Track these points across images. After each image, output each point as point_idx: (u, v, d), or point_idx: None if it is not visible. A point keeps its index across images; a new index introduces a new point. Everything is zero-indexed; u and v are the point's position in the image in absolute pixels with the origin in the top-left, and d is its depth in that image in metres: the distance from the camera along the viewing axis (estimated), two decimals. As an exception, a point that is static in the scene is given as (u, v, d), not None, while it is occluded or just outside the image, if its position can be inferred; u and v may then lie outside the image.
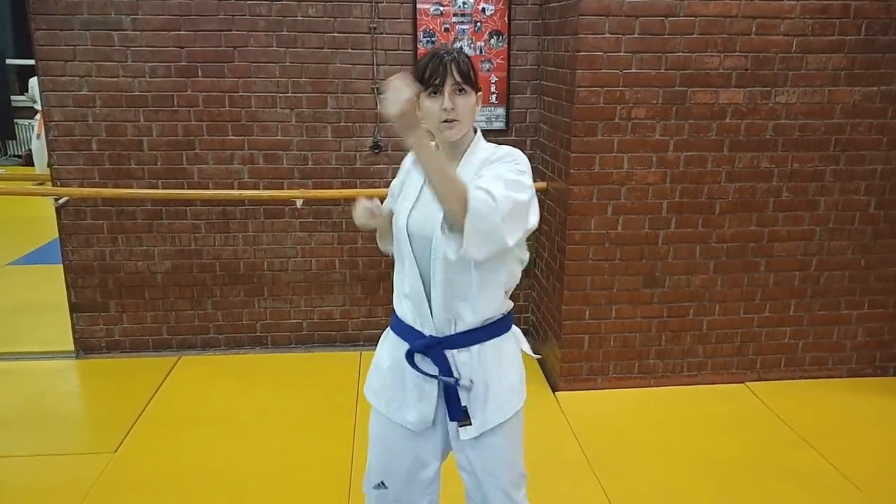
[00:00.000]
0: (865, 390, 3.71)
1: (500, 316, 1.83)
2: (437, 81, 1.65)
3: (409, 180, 1.84)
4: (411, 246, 1.75)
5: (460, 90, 1.68)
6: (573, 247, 3.49)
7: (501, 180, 1.60)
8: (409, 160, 1.90)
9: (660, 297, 3.61)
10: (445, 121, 1.67)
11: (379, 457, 1.92)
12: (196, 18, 3.67)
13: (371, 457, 1.94)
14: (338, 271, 4.08)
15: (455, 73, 1.66)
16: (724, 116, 3.39)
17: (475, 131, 1.81)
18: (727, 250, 3.58)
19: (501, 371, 1.82)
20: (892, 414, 3.49)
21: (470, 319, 1.76)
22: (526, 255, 1.83)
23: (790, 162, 3.49)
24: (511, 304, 1.86)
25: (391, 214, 1.86)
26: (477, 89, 1.73)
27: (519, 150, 1.76)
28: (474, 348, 1.79)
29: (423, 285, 1.75)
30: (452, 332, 1.77)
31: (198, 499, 2.80)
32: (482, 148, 1.79)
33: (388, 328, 1.92)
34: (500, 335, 1.83)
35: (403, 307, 1.83)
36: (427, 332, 1.78)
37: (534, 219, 1.67)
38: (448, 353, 1.78)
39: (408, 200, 1.79)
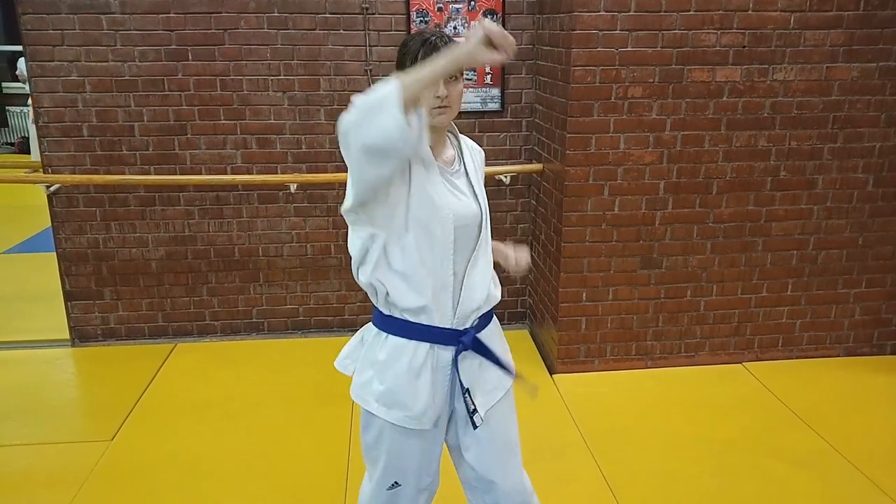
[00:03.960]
0: (863, 369, 3.71)
1: None
2: None
3: (426, 168, 1.69)
4: (454, 236, 1.69)
5: (453, 77, 1.64)
6: (570, 229, 3.47)
7: None
8: None
9: (657, 279, 3.59)
10: (438, 107, 1.64)
11: (394, 465, 1.85)
12: (185, 1, 3.61)
13: (384, 466, 1.85)
14: (333, 256, 4.05)
15: None
16: (721, 95, 3.36)
17: None
18: (724, 230, 3.56)
19: (502, 346, 1.90)
20: (889, 392, 3.49)
21: (495, 296, 1.82)
22: None
23: (788, 140, 3.46)
24: None
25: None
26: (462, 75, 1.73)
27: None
28: (489, 327, 1.85)
29: (455, 277, 1.72)
30: (477, 319, 1.80)
31: (195, 486, 2.79)
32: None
33: (385, 336, 1.77)
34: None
35: (429, 308, 1.70)
36: (460, 326, 1.76)
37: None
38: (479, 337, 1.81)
39: (439, 184, 1.68)
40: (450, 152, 1.78)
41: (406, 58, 1.65)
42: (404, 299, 1.68)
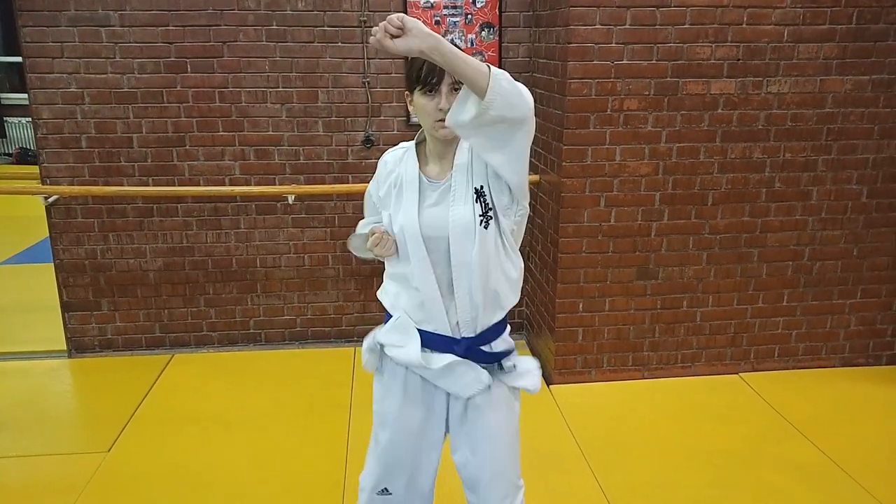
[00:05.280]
0: (859, 379, 3.72)
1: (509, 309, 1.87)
2: (433, 80, 1.64)
3: (399, 182, 1.79)
4: (426, 248, 1.72)
5: (456, 88, 1.66)
6: (566, 240, 3.48)
7: None
8: (389, 162, 1.84)
9: (653, 289, 3.61)
10: (441, 120, 1.65)
11: (385, 463, 1.92)
12: (184, 13, 3.64)
13: (376, 462, 1.94)
14: (331, 267, 4.06)
15: None
16: (715, 107, 3.39)
17: None
18: (720, 241, 3.58)
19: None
20: (885, 403, 3.50)
21: (493, 316, 1.81)
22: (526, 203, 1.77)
23: (782, 152, 3.49)
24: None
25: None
26: None
27: None
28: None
29: (439, 287, 1.75)
30: (475, 333, 1.80)
31: (192, 497, 2.78)
32: None
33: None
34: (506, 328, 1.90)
35: (418, 313, 1.80)
36: (451, 335, 1.79)
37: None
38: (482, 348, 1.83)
39: (410, 202, 1.75)
40: (450, 164, 1.76)
41: (411, 70, 1.69)
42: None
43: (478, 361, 1.81)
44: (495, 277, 1.75)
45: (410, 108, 1.76)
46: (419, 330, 1.80)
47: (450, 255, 1.72)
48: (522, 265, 1.83)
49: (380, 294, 1.93)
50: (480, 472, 1.89)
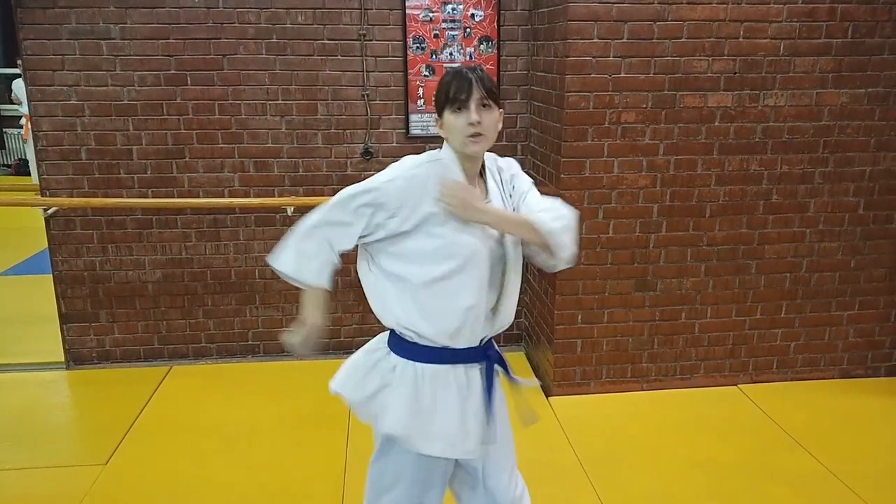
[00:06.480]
0: (857, 391, 3.72)
1: None
2: (462, 97, 1.68)
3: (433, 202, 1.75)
4: (490, 265, 1.78)
5: (485, 104, 1.70)
6: (565, 251, 3.49)
7: (544, 200, 1.82)
8: (408, 178, 1.75)
9: (652, 301, 3.61)
10: (472, 135, 1.69)
11: (410, 495, 1.91)
12: (185, 27, 3.66)
13: (398, 495, 1.92)
14: (330, 278, 4.06)
15: (480, 87, 1.69)
16: (713, 120, 3.41)
17: None
18: (718, 253, 3.59)
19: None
20: (884, 414, 3.50)
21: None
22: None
23: (779, 164, 3.51)
24: None
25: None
26: (499, 105, 1.76)
27: (511, 158, 1.91)
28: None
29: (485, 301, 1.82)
30: (493, 335, 1.89)
31: (190, 510, 2.78)
32: (489, 159, 1.86)
33: (411, 367, 1.87)
34: None
35: (461, 332, 1.79)
36: (482, 345, 1.86)
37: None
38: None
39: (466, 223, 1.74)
40: (474, 181, 1.80)
41: (441, 91, 1.73)
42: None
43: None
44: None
45: (440, 132, 1.76)
46: (471, 350, 1.89)
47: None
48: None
49: None
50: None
